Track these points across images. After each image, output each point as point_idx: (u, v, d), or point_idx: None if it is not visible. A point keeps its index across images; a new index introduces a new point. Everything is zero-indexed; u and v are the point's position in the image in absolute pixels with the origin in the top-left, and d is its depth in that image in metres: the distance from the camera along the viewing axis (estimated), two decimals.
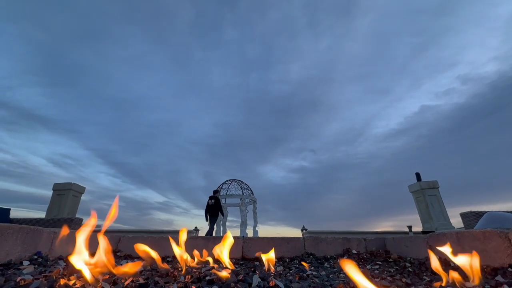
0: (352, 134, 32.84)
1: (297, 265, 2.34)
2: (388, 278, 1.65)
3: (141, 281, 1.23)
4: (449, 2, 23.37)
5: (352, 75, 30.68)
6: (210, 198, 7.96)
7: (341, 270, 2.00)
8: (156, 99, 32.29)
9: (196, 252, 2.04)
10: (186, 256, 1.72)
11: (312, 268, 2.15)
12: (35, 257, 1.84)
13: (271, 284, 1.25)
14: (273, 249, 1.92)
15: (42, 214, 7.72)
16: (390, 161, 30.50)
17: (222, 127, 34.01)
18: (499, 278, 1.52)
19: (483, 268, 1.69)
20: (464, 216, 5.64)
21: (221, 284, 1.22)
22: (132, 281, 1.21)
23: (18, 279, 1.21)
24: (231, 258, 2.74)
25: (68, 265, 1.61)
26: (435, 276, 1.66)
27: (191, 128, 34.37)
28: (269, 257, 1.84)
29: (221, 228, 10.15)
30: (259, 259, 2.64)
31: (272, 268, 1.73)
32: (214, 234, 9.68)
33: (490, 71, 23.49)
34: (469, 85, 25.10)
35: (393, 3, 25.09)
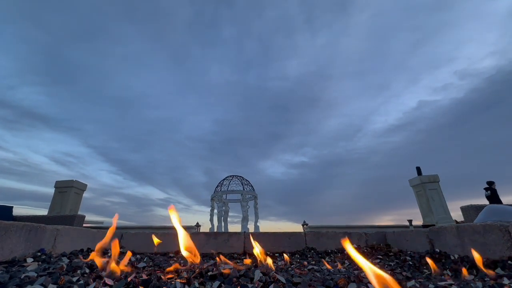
0: (351, 130, 32.71)
1: (299, 260, 2.36)
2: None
3: (144, 276, 1.24)
4: None
5: (350, 71, 30.40)
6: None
7: (341, 264, 2.02)
8: (156, 97, 32.12)
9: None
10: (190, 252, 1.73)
11: (313, 262, 2.17)
12: (39, 254, 1.86)
13: (273, 278, 1.27)
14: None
15: (44, 212, 7.78)
16: (390, 156, 30.43)
17: (222, 124, 33.89)
18: (498, 270, 1.53)
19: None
20: (464, 209, 5.66)
21: (223, 279, 1.23)
22: (135, 276, 1.22)
23: (23, 276, 1.22)
24: (233, 253, 2.77)
25: (71, 261, 1.63)
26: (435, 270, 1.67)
27: (191, 125, 34.24)
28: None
29: (223, 224, 10.21)
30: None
31: (271, 264, 1.74)
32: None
33: (488, 66, 23.23)
34: (467, 80, 24.87)
35: None
